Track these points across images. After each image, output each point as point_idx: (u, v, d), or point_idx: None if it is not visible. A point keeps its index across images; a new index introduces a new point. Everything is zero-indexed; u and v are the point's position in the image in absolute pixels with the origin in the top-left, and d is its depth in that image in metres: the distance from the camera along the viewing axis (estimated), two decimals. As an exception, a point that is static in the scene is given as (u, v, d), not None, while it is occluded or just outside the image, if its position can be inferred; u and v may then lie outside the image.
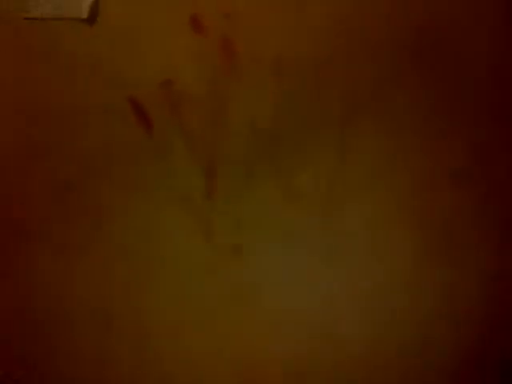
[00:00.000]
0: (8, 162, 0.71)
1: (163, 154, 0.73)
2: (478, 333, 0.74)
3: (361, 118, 0.73)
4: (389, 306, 0.73)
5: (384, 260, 0.73)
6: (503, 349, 0.74)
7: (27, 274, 0.73)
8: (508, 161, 0.74)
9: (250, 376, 0.74)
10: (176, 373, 0.74)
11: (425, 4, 0.73)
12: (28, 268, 0.72)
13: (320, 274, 0.74)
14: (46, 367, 0.73)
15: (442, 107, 0.73)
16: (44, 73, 0.71)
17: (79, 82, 0.72)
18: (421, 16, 0.73)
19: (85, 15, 0.70)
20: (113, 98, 0.72)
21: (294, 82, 0.73)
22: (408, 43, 0.73)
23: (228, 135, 0.73)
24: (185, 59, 0.73)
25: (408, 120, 0.73)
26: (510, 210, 0.74)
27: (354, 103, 0.73)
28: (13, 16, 0.70)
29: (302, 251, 0.74)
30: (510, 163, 0.74)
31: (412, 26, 0.73)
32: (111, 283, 0.73)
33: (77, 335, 0.72)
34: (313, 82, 0.73)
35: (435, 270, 0.73)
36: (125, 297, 0.73)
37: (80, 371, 0.72)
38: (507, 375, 0.74)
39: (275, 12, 0.73)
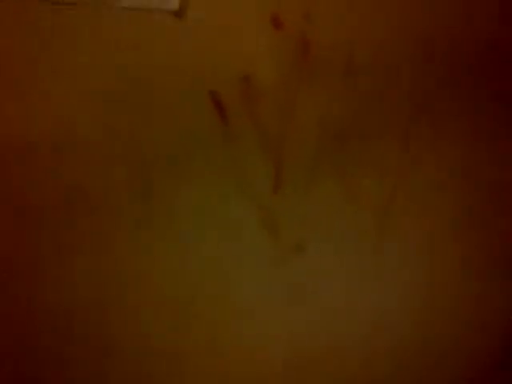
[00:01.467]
0: (90, 143, 0.70)
1: (235, 148, 0.74)
2: None
3: (427, 122, 0.77)
4: (438, 316, 0.78)
5: (435, 271, 0.77)
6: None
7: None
8: None
9: (304, 372, 0.77)
10: (236, 370, 0.76)
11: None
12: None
13: (372, 278, 0.77)
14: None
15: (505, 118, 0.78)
16: (129, 61, 0.70)
17: (162, 71, 0.71)
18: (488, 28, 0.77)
19: (176, 7, 0.69)
20: (193, 91, 0.72)
21: (364, 84, 0.76)
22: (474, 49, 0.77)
23: (297, 132, 0.75)
24: (263, 56, 0.74)
25: (474, 124, 0.77)
26: None
27: (420, 106, 0.77)
28: (104, 5, 0.69)
29: (359, 252, 0.77)
30: None
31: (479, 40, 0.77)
32: (186, 271, 0.74)
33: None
34: (382, 84, 0.76)
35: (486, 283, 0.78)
36: (198, 285, 0.74)
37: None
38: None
39: (351, 14, 0.75)
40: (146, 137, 0.71)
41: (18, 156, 0.70)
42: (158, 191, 0.72)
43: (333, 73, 0.75)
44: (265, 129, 0.74)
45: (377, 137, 0.76)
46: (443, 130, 0.78)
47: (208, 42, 0.72)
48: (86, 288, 0.72)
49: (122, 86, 0.70)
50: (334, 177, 0.76)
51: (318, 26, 0.75)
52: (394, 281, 0.77)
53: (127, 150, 0.71)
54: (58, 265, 0.72)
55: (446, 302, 0.78)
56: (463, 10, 0.77)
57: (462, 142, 0.78)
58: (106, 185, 0.71)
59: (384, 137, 0.77)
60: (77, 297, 0.72)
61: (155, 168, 0.72)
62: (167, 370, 0.74)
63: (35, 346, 0.72)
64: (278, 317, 0.76)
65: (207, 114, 0.73)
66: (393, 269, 0.77)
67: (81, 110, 0.70)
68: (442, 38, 0.77)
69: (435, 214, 0.77)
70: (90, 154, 0.71)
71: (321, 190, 0.76)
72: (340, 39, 0.75)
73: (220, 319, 0.75)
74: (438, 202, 0.77)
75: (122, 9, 0.68)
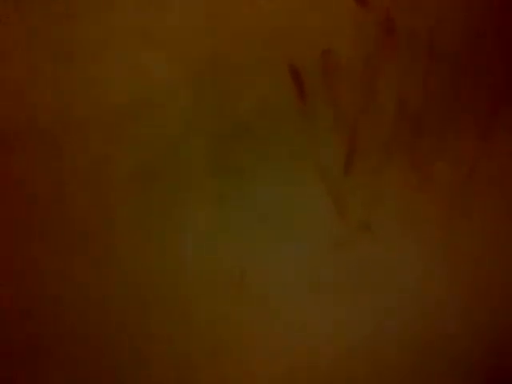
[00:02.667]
0: (172, 114, 0.69)
1: (311, 126, 0.72)
2: None
3: (507, 112, 0.75)
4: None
5: (499, 262, 0.76)
6: None
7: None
8: None
9: (368, 360, 0.76)
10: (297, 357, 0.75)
11: None
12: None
13: (441, 264, 0.76)
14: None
15: None
16: (213, 33, 0.69)
17: (244, 44, 0.69)
18: None
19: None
20: (273, 64, 0.70)
21: (447, 65, 0.74)
22: None
23: (374, 112, 0.74)
24: (345, 32, 0.72)
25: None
26: None
27: (503, 94, 0.75)
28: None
29: (427, 237, 0.76)
30: None
31: None
32: (244, 246, 0.73)
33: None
34: (464, 67, 0.74)
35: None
36: (259, 258, 0.73)
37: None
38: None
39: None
40: (226, 109, 0.70)
41: (89, 123, 0.68)
42: (234, 166, 0.71)
43: (415, 55, 0.73)
44: (341, 107, 0.73)
45: (454, 124, 0.75)
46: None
47: (291, 16, 0.70)
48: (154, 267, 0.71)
49: (205, 57, 0.69)
50: (406, 161, 0.75)
51: (404, 4, 0.72)
52: (463, 269, 0.76)
53: (207, 122, 0.69)
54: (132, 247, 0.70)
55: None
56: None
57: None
58: (183, 156, 0.69)
59: (462, 124, 0.75)
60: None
61: (233, 142, 0.70)
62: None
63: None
64: (343, 299, 0.75)
65: (286, 88, 0.71)
66: (463, 256, 0.75)
67: (171, 76, 0.69)
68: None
69: (509, 204, 0.76)
70: (170, 122, 0.69)
71: (392, 172, 0.74)
72: (425, 20, 0.73)
73: (276, 299, 0.74)
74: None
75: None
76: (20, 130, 0.66)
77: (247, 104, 0.70)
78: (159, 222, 0.70)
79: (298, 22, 0.70)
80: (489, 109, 0.75)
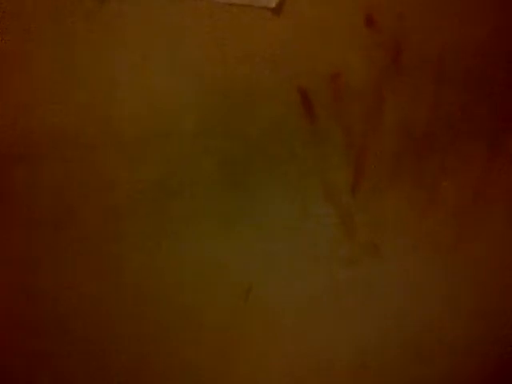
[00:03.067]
0: (182, 136, 0.70)
1: (319, 144, 0.74)
2: None
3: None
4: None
5: (503, 285, 0.77)
6: None
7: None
8: None
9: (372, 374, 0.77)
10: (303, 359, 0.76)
11: None
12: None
13: (440, 286, 0.77)
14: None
15: None
16: (220, 55, 0.70)
17: (255, 66, 0.71)
18: None
19: (273, 5, 0.69)
20: (283, 86, 0.72)
21: (453, 90, 0.75)
22: None
23: (381, 133, 0.75)
24: (354, 55, 0.73)
25: None
26: None
27: (509, 115, 0.76)
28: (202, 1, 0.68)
29: (430, 260, 0.77)
30: None
31: None
32: (251, 261, 0.74)
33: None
34: (472, 90, 0.75)
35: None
36: (263, 275, 0.74)
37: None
38: None
39: (445, 17, 0.74)
40: (236, 131, 0.71)
41: (107, 141, 0.70)
42: (245, 184, 0.72)
43: (423, 77, 0.74)
44: (350, 128, 0.74)
45: (461, 145, 0.76)
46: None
47: (301, 39, 0.71)
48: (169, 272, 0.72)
49: (217, 82, 0.70)
50: (414, 181, 0.76)
51: (412, 28, 0.74)
52: (466, 291, 0.77)
53: (218, 142, 0.71)
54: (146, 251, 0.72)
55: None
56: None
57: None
58: (195, 176, 0.71)
59: (468, 145, 0.76)
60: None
61: (243, 162, 0.72)
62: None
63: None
64: (349, 315, 0.76)
65: (296, 110, 0.72)
66: (470, 275, 0.76)
67: (180, 102, 0.70)
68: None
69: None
70: (183, 144, 0.71)
71: (399, 193, 0.75)
72: (433, 43, 0.74)
73: (283, 316, 0.75)
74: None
75: (221, 4, 0.68)
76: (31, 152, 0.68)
77: (257, 125, 0.72)
78: (170, 238, 0.72)
79: (307, 45, 0.72)
80: (495, 132, 0.76)
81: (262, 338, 0.75)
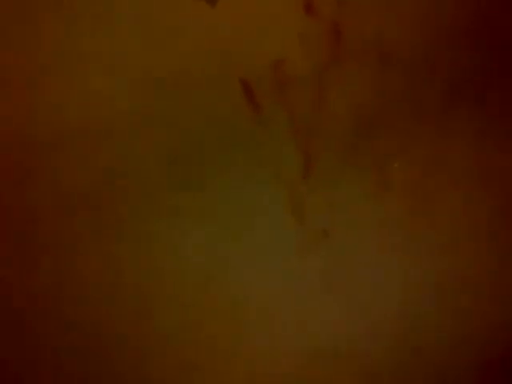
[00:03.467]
0: (123, 132, 0.71)
1: (266, 134, 0.74)
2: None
3: (461, 109, 0.76)
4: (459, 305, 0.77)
5: (469, 258, 0.76)
6: None
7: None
8: None
9: (334, 362, 0.77)
10: (260, 365, 0.76)
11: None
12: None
13: (398, 265, 0.77)
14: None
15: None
16: (159, 49, 0.71)
17: (194, 59, 0.71)
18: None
19: (207, -5, 0.70)
20: (224, 78, 0.72)
21: (397, 70, 0.75)
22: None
23: (328, 118, 0.75)
24: (295, 42, 0.74)
25: (507, 115, 0.76)
26: None
27: (455, 93, 0.76)
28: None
29: (385, 240, 0.77)
30: None
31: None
32: (206, 255, 0.75)
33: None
34: (415, 70, 0.75)
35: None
36: (223, 268, 0.75)
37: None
38: None
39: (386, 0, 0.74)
40: (178, 126, 0.72)
41: (54, 143, 0.71)
42: (191, 179, 0.73)
43: (365, 60, 0.75)
44: (296, 115, 0.74)
45: (409, 125, 0.76)
46: (478, 121, 0.77)
47: (239, 28, 0.72)
48: (109, 275, 0.73)
49: (155, 73, 0.71)
50: (364, 164, 0.76)
51: (352, 12, 0.74)
52: (425, 269, 0.76)
53: (160, 138, 0.72)
54: (96, 251, 0.73)
55: (480, 288, 0.77)
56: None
57: (498, 133, 0.77)
58: (142, 172, 0.72)
59: (417, 125, 0.76)
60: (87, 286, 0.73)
61: (188, 157, 0.72)
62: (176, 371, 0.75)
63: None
64: (306, 304, 0.76)
65: (238, 100, 0.73)
66: (424, 257, 0.76)
67: (116, 97, 0.71)
68: (483, 21, 0.76)
69: (467, 202, 0.76)
70: (126, 140, 0.72)
71: (351, 177, 0.76)
72: (374, 26, 0.75)
73: (243, 309, 0.76)
74: (471, 191, 0.76)
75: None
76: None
77: (200, 118, 0.73)
78: (119, 239, 0.73)
79: (245, 35, 0.72)
80: (443, 109, 0.76)
81: (222, 335, 0.75)
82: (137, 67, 0.71)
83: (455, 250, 0.77)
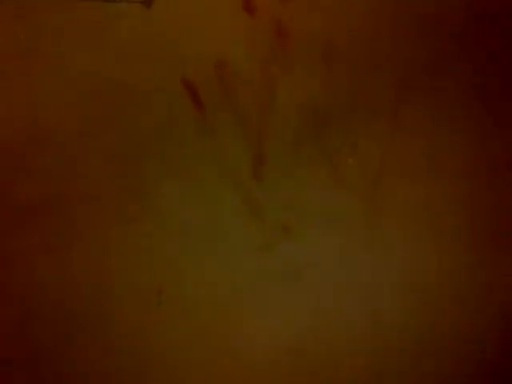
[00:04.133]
0: (67, 137, 0.72)
1: (214, 134, 0.74)
2: None
3: (412, 101, 0.75)
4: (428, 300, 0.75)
5: (427, 255, 0.75)
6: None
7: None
8: None
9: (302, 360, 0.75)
10: (227, 364, 0.75)
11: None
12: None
13: (360, 260, 0.75)
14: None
15: (495, 91, 0.75)
16: (99, 53, 0.72)
17: (134, 62, 0.72)
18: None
19: (143, -4, 0.71)
20: (166, 79, 0.73)
21: (345, 65, 0.75)
22: (459, 23, 0.74)
23: (277, 117, 0.75)
24: (238, 41, 0.74)
25: (459, 103, 0.75)
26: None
27: (404, 86, 0.75)
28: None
29: (345, 236, 0.75)
30: None
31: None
32: (161, 259, 0.74)
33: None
34: (363, 64, 0.75)
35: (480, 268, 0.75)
36: (187, 276, 0.74)
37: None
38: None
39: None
40: (122, 131, 0.72)
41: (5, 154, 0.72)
42: (139, 185, 0.73)
43: (311, 57, 0.75)
44: (243, 115, 0.74)
45: (360, 121, 0.75)
46: (431, 114, 0.76)
47: (177, 29, 0.72)
48: (76, 284, 0.73)
49: (94, 79, 0.72)
50: (317, 159, 0.75)
51: (294, 9, 0.74)
52: (382, 260, 0.75)
53: (105, 141, 0.72)
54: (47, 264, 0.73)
55: (432, 286, 0.75)
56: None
57: (450, 119, 0.76)
58: (84, 180, 0.72)
59: (367, 121, 0.75)
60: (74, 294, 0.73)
61: (134, 162, 0.73)
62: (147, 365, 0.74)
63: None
64: (270, 302, 0.75)
65: (183, 101, 0.73)
66: (380, 249, 0.75)
67: (56, 106, 0.72)
68: (425, 12, 0.75)
69: (422, 194, 0.75)
70: (72, 148, 0.72)
71: (305, 172, 0.75)
72: (317, 22, 0.75)
73: (210, 310, 0.75)
74: (425, 183, 0.75)
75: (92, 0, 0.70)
76: None
77: (145, 120, 0.73)
78: (75, 246, 0.73)
79: (185, 36, 0.73)
80: (394, 105, 0.75)
81: (179, 339, 0.74)
82: (76, 73, 0.72)
83: (407, 242, 0.76)
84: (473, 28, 0.75)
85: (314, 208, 0.75)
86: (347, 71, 0.75)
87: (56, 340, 0.72)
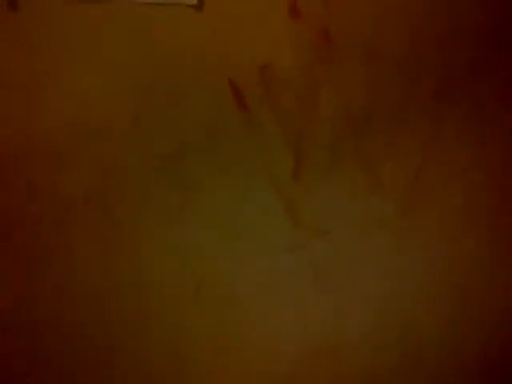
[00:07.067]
0: (113, 131, 0.72)
1: (256, 136, 0.75)
2: None
3: (453, 104, 0.77)
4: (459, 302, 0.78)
5: (459, 257, 0.77)
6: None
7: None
8: None
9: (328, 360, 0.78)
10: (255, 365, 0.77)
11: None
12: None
13: (394, 263, 0.78)
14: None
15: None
16: (150, 55, 0.72)
17: (184, 63, 0.73)
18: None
19: (194, 1, 0.71)
20: (213, 80, 0.73)
21: (385, 68, 0.76)
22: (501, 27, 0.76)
23: (318, 119, 0.76)
24: (282, 45, 0.74)
25: (502, 105, 0.77)
26: None
27: (445, 89, 0.76)
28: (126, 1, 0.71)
29: (380, 238, 0.78)
30: None
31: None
32: (200, 254, 0.76)
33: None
34: (403, 67, 0.76)
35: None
36: (213, 264, 0.76)
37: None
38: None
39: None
40: (168, 129, 0.73)
41: (48, 146, 0.72)
42: (183, 179, 0.74)
43: (353, 60, 0.76)
44: (285, 116, 0.75)
45: (400, 122, 0.77)
46: (471, 119, 0.77)
47: (226, 33, 0.73)
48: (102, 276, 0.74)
49: (146, 79, 0.72)
50: (355, 163, 0.77)
51: (337, 14, 0.75)
52: (418, 267, 0.77)
53: (152, 138, 0.73)
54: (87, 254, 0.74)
55: (467, 289, 0.78)
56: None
57: (492, 124, 0.78)
58: (132, 173, 0.73)
59: (407, 122, 0.77)
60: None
61: (181, 159, 0.73)
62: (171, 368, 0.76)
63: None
64: (302, 302, 0.77)
65: (228, 102, 0.74)
66: (416, 254, 0.77)
67: (106, 101, 0.72)
68: (466, 19, 0.77)
69: (460, 199, 0.77)
70: (120, 143, 0.73)
71: (342, 175, 0.77)
72: (359, 26, 0.75)
73: (245, 307, 0.77)
74: (463, 187, 0.77)
75: (144, 4, 0.70)
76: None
77: (191, 120, 0.74)
78: (117, 240, 0.74)
79: (232, 39, 0.73)
80: (432, 106, 0.76)
81: (216, 330, 0.76)
82: (128, 71, 0.72)
83: (443, 248, 0.78)
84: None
85: (349, 210, 0.77)
86: (388, 74, 0.76)
87: (97, 328, 0.74)
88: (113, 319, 0.74)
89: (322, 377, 0.78)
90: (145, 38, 0.71)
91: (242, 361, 0.77)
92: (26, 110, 0.70)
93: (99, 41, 0.71)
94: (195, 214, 0.75)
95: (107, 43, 0.71)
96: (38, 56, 0.70)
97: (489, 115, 0.77)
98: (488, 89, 0.77)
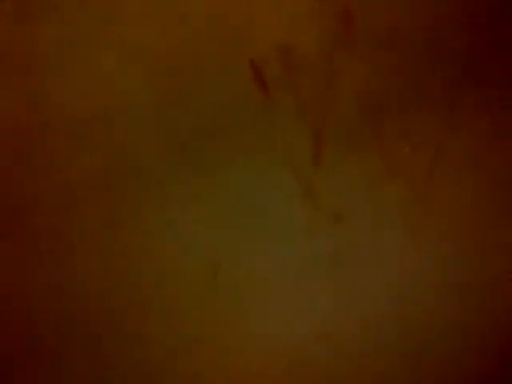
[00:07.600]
0: (130, 112, 0.71)
1: (275, 117, 0.74)
2: None
3: (469, 96, 0.76)
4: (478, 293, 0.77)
5: (477, 245, 0.77)
6: None
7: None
8: None
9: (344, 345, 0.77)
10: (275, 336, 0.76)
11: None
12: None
13: (410, 251, 0.77)
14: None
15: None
16: (170, 36, 0.71)
17: (204, 45, 0.71)
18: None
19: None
20: (233, 60, 0.72)
21: (406, 54, 0.75)
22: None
23: (337, 103, 0.75)
24: (304, 26, 0.73)
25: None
26: None
27: (464, 79, 0.76)
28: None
29: (395, 225, 0.77)
30: None
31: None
32: (219, 237, 0.74)
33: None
34: (424, 53, 0.75)
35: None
36: (231, 250, 0.74)
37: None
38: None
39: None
40: (189, 110, 0.72)
41: (68, 124, 0.70)
42: (201, 161, 0.72)
43: (375, 44, 0.75)
44: (305, 100, 0.74)
45: (417, 109, 0.76)
46: (485, 102, 0.77)
47: (248, 14, 0.72)
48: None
49: (166, 59, 0.71)
50: (373, 148, 0.76)
51: (361, -5, 0.74)
52: (433, 255, 0.76)
53: (170, 119, 0.71)
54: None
55: (485, 277, 0.77)
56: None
57: (506, 114, 0.77)
58: (150, 155, 0.71)
59: (424, 109, 0.76)
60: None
61: (200, 141, 0.72)
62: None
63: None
64: (316, 287, 0.76)
65: (249, 84, 0.73)
66: (432, 242, 0.76)
67: (123, 82, 0.71)
68: (487, 6, 0.76)
69: (475, 186, 0.76)
70: (139, 126, 0.71)
71: (360, 161, 0.76)
72: (381, 9, 0.75)
73: (253, 292, 0.75)
74: (478, 174, 0.76)
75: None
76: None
77: (211, 101, 0.72)
78: (133, 223, 0.72)
79: (254, 19, 0.72)
80: (450, 93, 0.76)
81: (234, 313, 0.75)
82: (148, 54, 0.70)
83: (458, 237, 0.77)
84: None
85: (366, 196, 0.76)
86: (408, 59, 0.75)
87: (114, 311, 0.72)
88: (127, 298, 0.73)
89: (342, 363, 0.76)
90: (165, 17, 0.70)
91: (257, 344, 0.75)
92: (39, 85, 0.69)
93: (117, 18, 0.70)
94: (213, 197, 0.74)
95: (129, 26, 0.70)
96: (56, 26, 0.68)
97: (505, 103, 0.77)
98: (505, 77, 0.77)
